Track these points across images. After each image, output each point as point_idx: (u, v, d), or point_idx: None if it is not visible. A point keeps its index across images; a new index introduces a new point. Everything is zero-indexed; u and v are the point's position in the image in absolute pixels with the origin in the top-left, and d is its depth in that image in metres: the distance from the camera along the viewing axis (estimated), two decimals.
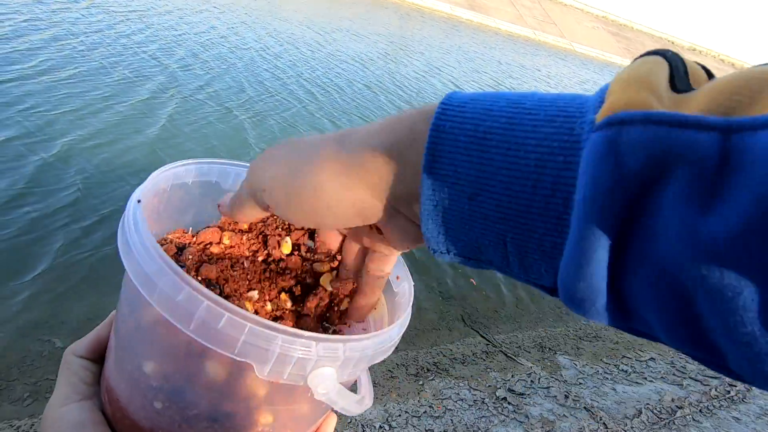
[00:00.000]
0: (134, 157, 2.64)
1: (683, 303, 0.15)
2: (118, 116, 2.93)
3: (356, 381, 0.34)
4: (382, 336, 0.30)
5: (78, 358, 0.33)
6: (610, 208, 0.16)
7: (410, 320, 0.33)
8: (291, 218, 0.27)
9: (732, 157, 0.14)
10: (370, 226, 0.29)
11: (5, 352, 1.54)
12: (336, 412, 0.34)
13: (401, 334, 0.32)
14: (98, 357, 0.34)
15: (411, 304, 0.34)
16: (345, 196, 0.24)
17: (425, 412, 1.70)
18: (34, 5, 4.00)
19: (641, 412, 1.98)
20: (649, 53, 0.19)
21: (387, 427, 1.59)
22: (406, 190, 0.23)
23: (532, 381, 2.01)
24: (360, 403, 0.29)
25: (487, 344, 2.23)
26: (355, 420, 1.59)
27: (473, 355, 2.13)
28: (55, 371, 1.43)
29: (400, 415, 1.65)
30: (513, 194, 0.19)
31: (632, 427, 1.88)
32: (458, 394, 1.84)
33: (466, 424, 1.70)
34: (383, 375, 1.85)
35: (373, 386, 1.69)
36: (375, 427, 1.58)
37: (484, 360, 2.11)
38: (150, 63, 3.79)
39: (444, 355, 2.06)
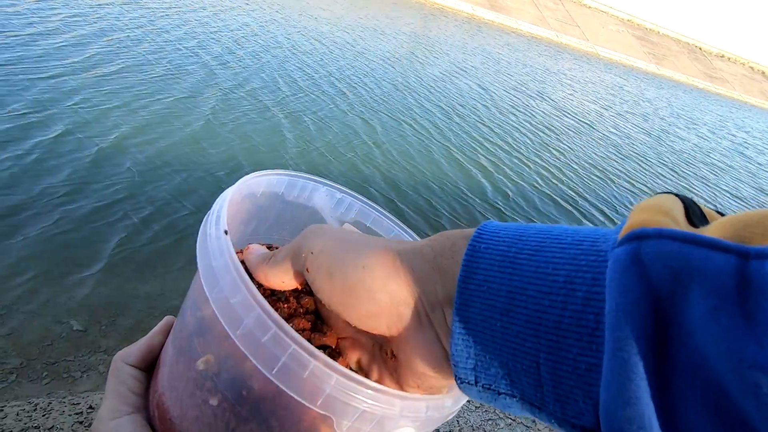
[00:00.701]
0: (183, 151, 2.75)
1: (735, 414, 0.14)
2: (164, 110, 3.05)
3: None
4: (457, 395, 0.28)
5: (128, 366, 0.32)
6: (640, 316, 0.16)
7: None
8: (325, 291, 0.26)
9: (754, 281, 0.14)
10: (386, 352, 0.28)
11: (25, 331, 1.56)
12: None
13: (457, 407, 0.30)
14: (148, 366, 0.33)
15: None
16: (387, 284, 0.24)
17: (437, 430, 1.74)
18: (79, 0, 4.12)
19: None
20: (664, 193, 0.20)
21: None
22: (443, 297, 0.24)
23: None
24: None
25: None
26: None
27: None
28: (73, 353, 1.49)
29: None
30: (543, 309, 0.19)
31: None
32: None
33: (472, 426, 1.74)
34: None
35: None
36: None
37: None
38: (190, 59, 3.90)
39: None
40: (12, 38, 3.20)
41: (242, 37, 4.95)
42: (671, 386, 0.16)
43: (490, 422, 1.77)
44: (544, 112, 6.66)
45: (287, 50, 5.07)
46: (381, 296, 0.25)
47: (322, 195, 0.41)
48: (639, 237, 0.17)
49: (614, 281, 0.17)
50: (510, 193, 3.72)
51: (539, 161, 4.67)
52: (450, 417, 0.29)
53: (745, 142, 11.48)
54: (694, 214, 0.19)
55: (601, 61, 17.91)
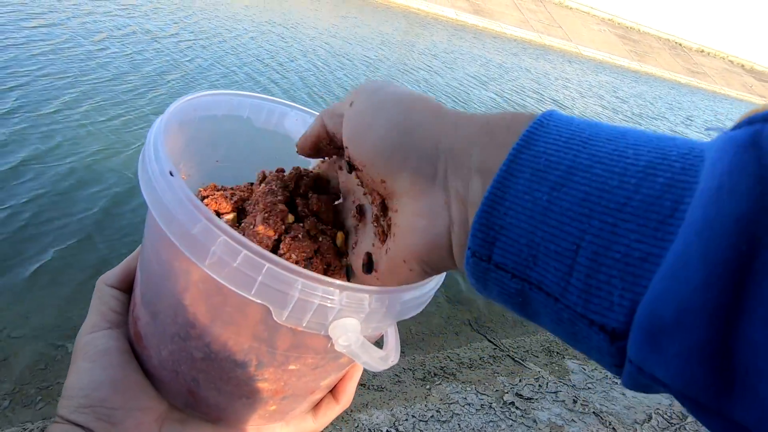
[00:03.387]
0: None
1: None
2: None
3: (382, 337, 0.33)
4: (412, 290, 0.27)
5: (108, 287, 0.33)
6: (747, 201, 0.13)
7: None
8: (354, 131, 0.25)
9: None
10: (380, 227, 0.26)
11: (18, 356, 1.56)
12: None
13: (434, 290, 0.30)
14: (127, 287, 0.34)
15: None
16: (417, 127, 0.22)
17: (432, 416, 1.70)
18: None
19: (651, 417, 1.96)
20: None
21: (394, 431, 1.59)
22: (478, 164, 0.20)
23: (539, 385, 2.00)
24: (384, 360, 0.27)
25: (495, 348, 2.22)
26: (362, 424, 1.60)
27: (480, 359, 2.12)
28: (66, 375, 1.46)
29: (407, 420, 1.65)
30: (608, 188, 0.16)
31: None
32: (465, 398, 1.83)
33: (473, 429, 1.69)
34: (390, 379, 1.85)
35: (380, 391, 1.67)
36: (382, 431, 1.58)
37: (492, 364, 2.10)
38: (159, 71, 3.85)
39: (451, 360, 2.06)
40: None
41: (215, 45, 4.91)
42: (753, 288, 0.12)
43: (491, 424, 1.72)
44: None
45: (261, 58, 5.03)
46: (401, 137, 0.22)
47: (293, 120, 0.39)
48: (765, 119, 0.14)
49: (722, 160, 0.14)
50: None
51: None
52: (405, 315, 0.28)
53: None
54: None
55: (585, 60, 18.18)
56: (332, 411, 0.36)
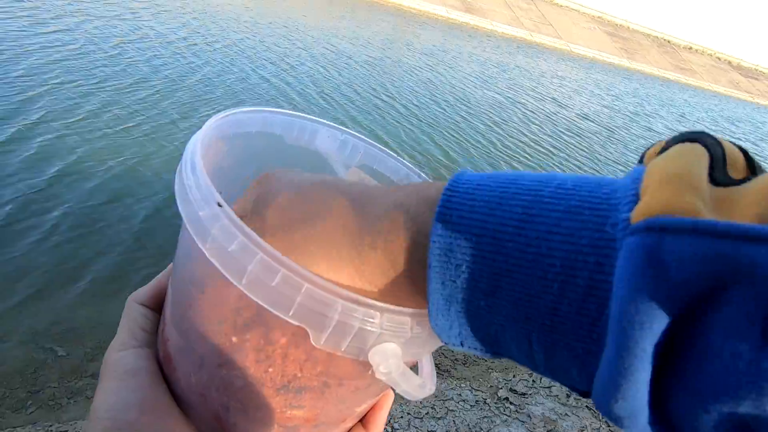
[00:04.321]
0: (167, 170, 2.70)
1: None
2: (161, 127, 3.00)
3: (417, 364, 0.32)
4: None
5: (138, 305, 0.33)
6: (650, 326, 0.14)
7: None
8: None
9: None
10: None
11: (7, 360, 1.55)
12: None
13: None
14: (157, 305, 0.34)
15: None
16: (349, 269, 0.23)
17: (427, 413, 1.70)
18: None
19: None
20: (685, 138, 0.17)
21: (389, 429, 1.59)
22: (412, 281, 0.21)
23: (533, 381, 2.01)
24: (422, 388, 0.27)
25: None
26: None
27: (474, 356, 2.13)
28: (57, 379, 1.46)
29: (402, 417, 1.66)
30: (536, 294, 0.17)
31: None
32: (460, 395, 1.84)
33: (468, 425, 1.70)
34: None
35: None
36: None
37: (486, 360, 2.11)
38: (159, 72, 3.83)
39: (445, 356, 2.06)
40: None
41: (226, 48, 4.92)
42: (672, 398, 0.14)
43: (486, 420, 1.73)
44: (543, 110, 6.71)
45: (255, 58, 5.04)
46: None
47: (325, 137, 0.39)
48: (663, 228, 0.14)
49: (624, 283, 0.15)
50: None
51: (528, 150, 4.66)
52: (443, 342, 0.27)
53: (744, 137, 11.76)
54: (717, 168, 0.16)
55: (576, 58, 18.29)
56: None
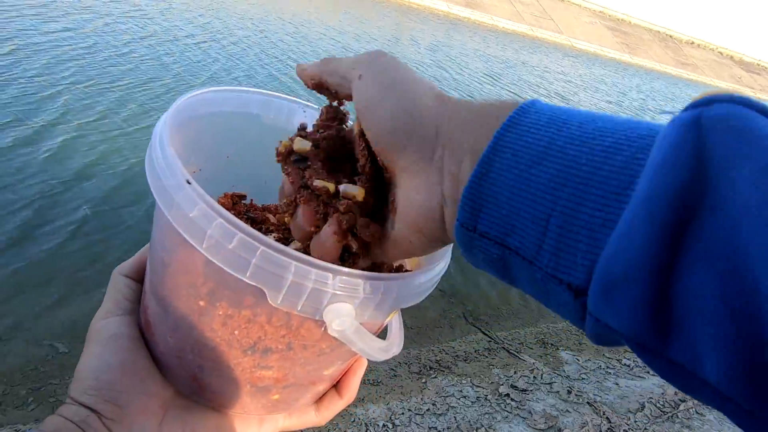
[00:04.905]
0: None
1: (748, 281, 0.13)
2: None
3: (386, 329, 0.33)
4: (409, 278, 0.28)
5: (122, 276, 0.35)
6: (681, 173, 0.15)
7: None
8: (365, 106, 0.26)
9: None
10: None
11: (9, 356, 1.55)
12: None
13: (436, 280, 0.30)
14: (140, 277, 0.35)
15: (450, 252, 0.32)
16: (418, 107, 0.24)
17: (428, 410, 1.70)
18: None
19: (644, 406, 1.98)
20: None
21: (390, 426, 1.59)
22: (468, 147, 0.22)
23: (534, 377, 2.01)
24: (385, 350, 0.28)
25: (489, 341, 2.23)
26: (359, 419, 1.60)
27: (475, 352, 2.13)
28: (58, 376, 1.46)
29: (403, 414, 1.66)
30: (577, 165, 0.19)
31: (635, 421, 1.88)
32: (461, 391, 1.84)
33: (469, 422, 1.70)
34: (386, 373, 1.86)
35: (376, 385, 1.67)
36: (378, 425, 1.59)
37: (487, 357, 2.12)
38: (157, 66, 3.82)
39: (446, 353, 2.06)
40: None
41: (232, 45, 4.90)
42: (687, 247, 0.15)
43: (487, 416, 1.74)
44: None
45: (245, 50, 5.02)
46: (406, 120, 0.24)
47: (302, 116, 0.40)
48: (708, 102, 0.16)
49: (666, 138, 0.16)
50: None
51: None
52: (403, 304, 0.28)
53: None
54: None
55: (577, 53, 18.22)
56: (335, 405, 0.37)
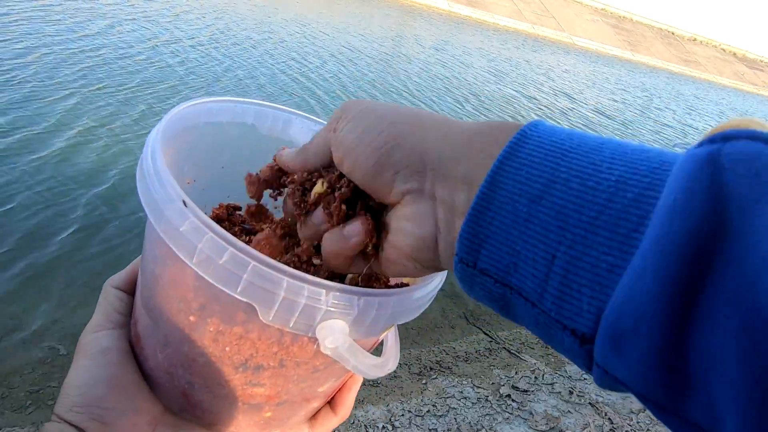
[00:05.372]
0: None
1: None
2: None
3: (382, 343, 0.32)
4: (405, 294, 0.27)
5: (114, 288, 0.34)
6: (698, 219, 0.14)
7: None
8: (342, 142, 0.26)
9: None
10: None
11: (7, 359, 1.55)
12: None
13: (432, 295, 0.30)
14: (132, 289, 0.35)
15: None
16: (405, 138, 0.23)
17: (428, 411, 1.69)
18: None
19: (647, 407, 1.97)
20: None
21: (390, 427, 1.59)
22: (462, 176, 0.21)
23: (536, 377, 2.00)
24: (380, 367, 0.27)
25: (491, 341, 2.22)
26: (358, 420, 1.59)
27: (476, 352, 2.12)
28: (57, 378, 1.45)
29: (403, 415, 1.65)
30: (581, 202, 0.17)
31: (638, 422, 1.87)
32: (462, 392, 1.83)
33: (470, 423, 1.69)
34: (386, 375, 1.85)
35: (375, 386, 1.66)
36: (378, 427, 1.58)
37: (488, 357, 2.10)
38: (158, 64, 3.83)
39: (447, 354, 2.05)
40: None
41: (211, 43, 4.89)
42: (702, 301, 0.13)
43: (487, 417, 1.73)
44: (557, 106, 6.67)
45: (260, 53, 5.04)
46: (385, 157, 0.24)
47: (298, 127, 0.40)
48: (725, 138, 0.15)
49: (680, 177, 0.15)
50: None
51: None
52: (399, 320, 0.28)
53: None
54: None
55: (579, 51, 18.17)
56: (330, 422, 0.36)
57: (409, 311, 0.28)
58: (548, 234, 0.18)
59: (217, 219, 0.38)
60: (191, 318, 0.27)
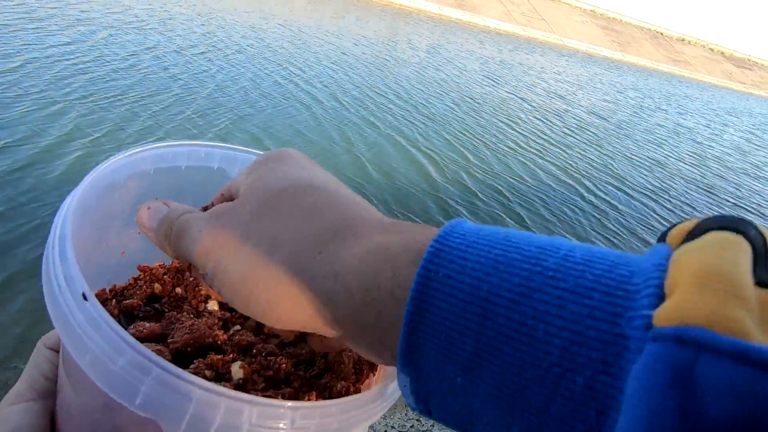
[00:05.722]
0: None
1: None
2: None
3: None
4: (354, 402, 0.23)
5: (46, 348, 0.30)
6: None
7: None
8: (231, 304, 0.22)
9: None
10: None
11: (4, 362, 1.49)
12: None
13: (393, 398, 0.25)
14: None
15: None
16: (299, 318, 0.20)
17: (412, 426, 1.63)
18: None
19: None
20: (721, 224, 0.14)
21: None
22: (379, 340, 0.19)
23: None
24: None
25: None
26: None
27: None
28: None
29: (386, 431, 1.58)
30: (524, 382, 0.15)
31: None
32: None
33: None
34: None
35: None
36: None
37: None
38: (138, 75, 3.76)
39: None
40: None
41: (210, 50, 4.86)
42: None
43: None
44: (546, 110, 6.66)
45: (249, 58, 5.00)
46: (290, 326, 0.21)
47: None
48: (700, 345, 0.12)
49: (641, 402, 0.12)
50: (479, 194, 3.61)
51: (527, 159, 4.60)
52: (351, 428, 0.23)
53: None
54: (760, 263, 0.13)
55: (570, 52, 18.29)
56: None
57: (360, 421, 0.23)
58: (494, 410, 0.16)
59: (177, 270, 0.35)
60: (96, 415, 0.24)
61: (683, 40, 31.29)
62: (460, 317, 0.16)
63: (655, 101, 11.71)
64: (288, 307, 0.20)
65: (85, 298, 0.21)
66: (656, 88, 14.85)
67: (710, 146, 8.01)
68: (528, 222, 3.31)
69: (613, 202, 4.10)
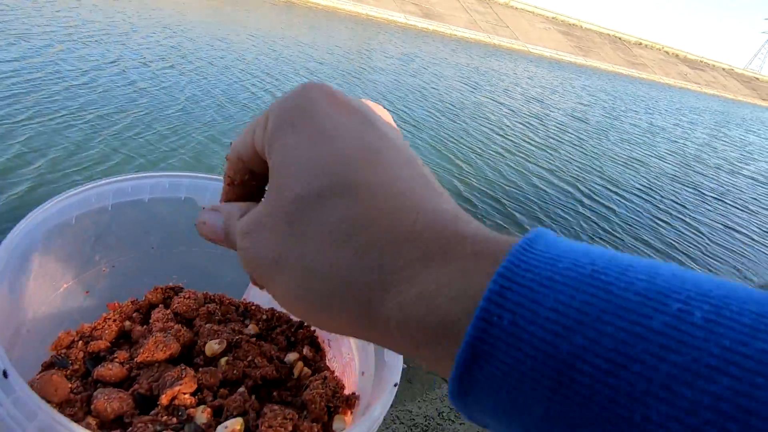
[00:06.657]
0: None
1: None
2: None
3: None
4: None
5: None
6: None
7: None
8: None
9: None
10: None
11: None
12: None
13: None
14: None
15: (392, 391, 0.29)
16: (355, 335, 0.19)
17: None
18: None
19: None
20: None
21: None
22: (436, 363, 0.16)
23: None
24: None
25: None
26: None
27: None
28: None
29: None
30: None
31: None
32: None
33: None
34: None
35: None
36: None
37: None
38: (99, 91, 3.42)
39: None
40: None
41: (179, 63, 4.53)
42: None
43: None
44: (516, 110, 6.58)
45: (221, 70, 4.70)
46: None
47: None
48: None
49: None
50: (476, 199, 3.44)
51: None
52: None
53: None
54: None
55: (535, 58, 18.67)
56: None
57: None
58: None
59: (150, 305, 0.36)
60: None
61: (640, 43, 32.60)
62: (527, 377, 0.13)
63: (625, 103, 12.00)
64: (345, 332, 0.19)
65: (5, 375, 0.22)
66: (623, 90, 15.31)
67: (685, 144, 8.19)
68: (528, 227, 3.15)
69: (606, 203, 4.00)
